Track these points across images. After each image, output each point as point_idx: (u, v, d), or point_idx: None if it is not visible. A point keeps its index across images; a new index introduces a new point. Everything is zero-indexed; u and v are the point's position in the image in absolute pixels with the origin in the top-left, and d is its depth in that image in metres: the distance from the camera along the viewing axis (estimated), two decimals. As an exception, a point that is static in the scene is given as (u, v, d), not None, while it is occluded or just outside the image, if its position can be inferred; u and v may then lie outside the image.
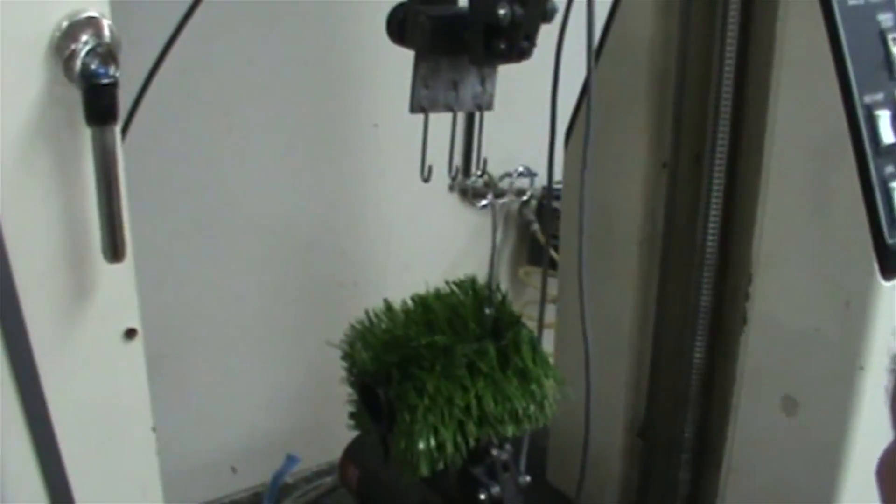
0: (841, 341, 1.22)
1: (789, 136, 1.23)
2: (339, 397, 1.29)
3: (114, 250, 0.85)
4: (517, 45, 1.05)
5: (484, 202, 1.24)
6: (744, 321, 1.34)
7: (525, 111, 1.41)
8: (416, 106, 1.12)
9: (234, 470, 2.03)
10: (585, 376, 1.24)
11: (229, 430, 2.02)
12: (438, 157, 1.18)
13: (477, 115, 1.20)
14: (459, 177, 1.21)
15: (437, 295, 1.29)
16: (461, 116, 1.19)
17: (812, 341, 1.25)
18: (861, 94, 1.15)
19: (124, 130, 1.14)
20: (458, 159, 1.21)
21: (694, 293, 1.38)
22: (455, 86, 1.13)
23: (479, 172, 1.18)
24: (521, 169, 1.35)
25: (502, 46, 1.05)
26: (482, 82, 1.15)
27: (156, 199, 1.76)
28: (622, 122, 1.43)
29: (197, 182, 1.81)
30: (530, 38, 1.06)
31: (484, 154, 1.18)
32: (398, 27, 1.10)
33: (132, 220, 0.86)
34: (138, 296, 0.92)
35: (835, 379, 1.23)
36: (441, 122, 1.17)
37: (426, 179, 1.17)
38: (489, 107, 1.18)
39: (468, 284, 1.30)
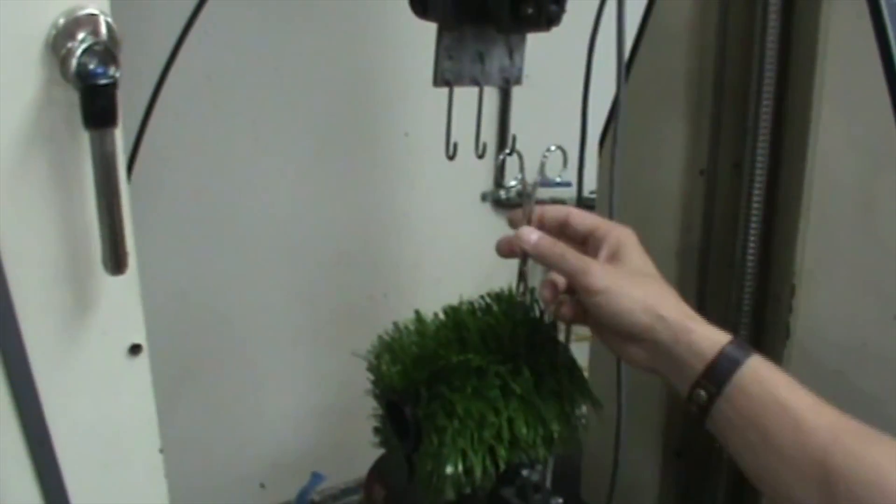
0: (891, 356, 1.16)
1: (834, 140, 1.19)
2: (368, 414, 1.25)
3: (115, 262, 0.80)
4: (546, 10, 0.99)
5: (513, 182, 1.20)
6: (787, 335, 1.29)
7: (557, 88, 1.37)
8: (440, 79, 1.06)
9: (262, 486, 2.01)
10: (617, 393, 1.20)
11: (258, 446, 2.01)
12: (464, 141, 1.12)
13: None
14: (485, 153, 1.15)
15: (472, 310, 1.24)
16: (488, 92, 1.12)
17: (859, 356, 1.20)
18: (911, 95, 1.10)
19: (139, 136, 1.12)
20: (484, 137, 1.15)
21: (734, 306, 1.35)
22: (481, 58, 1.07)
23: (508, 151, 1.11)
24: (553, 148, 1.29)
25: (529, 11, 0.98)
26: (510, 54, 1.09)
27: (181, 212, 1.74)
28: (658, 128, 1.39)
29: (223, 194, 1.80)
30: (560, 2, 1.00)
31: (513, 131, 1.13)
32: None
33: (157, 234, 0.82)
34: (143, 310, 0.87)
35: (885, 397, 1.18)
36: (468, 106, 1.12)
37: (451, 157, 1.11)
38: (518, 81, 1.11)
39: (505, 297, 1.25)
